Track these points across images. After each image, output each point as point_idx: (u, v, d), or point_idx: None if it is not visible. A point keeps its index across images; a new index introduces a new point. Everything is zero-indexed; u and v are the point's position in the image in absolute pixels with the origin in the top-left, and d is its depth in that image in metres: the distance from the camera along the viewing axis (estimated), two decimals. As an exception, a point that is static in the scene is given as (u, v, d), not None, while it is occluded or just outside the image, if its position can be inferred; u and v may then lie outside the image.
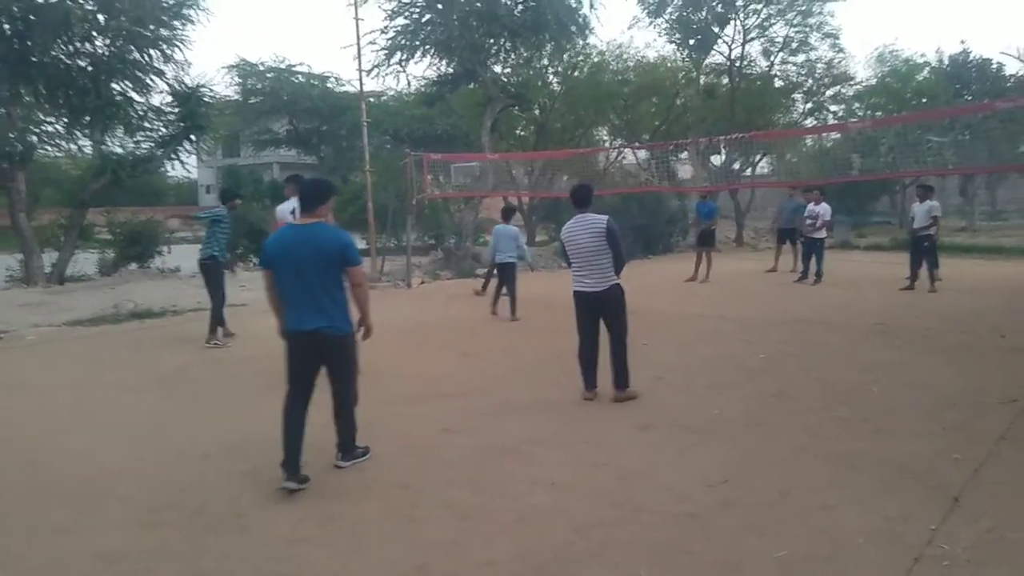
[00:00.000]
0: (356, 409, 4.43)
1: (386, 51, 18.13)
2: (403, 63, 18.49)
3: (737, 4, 22.19)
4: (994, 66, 28.04)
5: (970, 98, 26.10)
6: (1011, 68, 26.91)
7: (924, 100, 25.13)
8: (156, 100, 15.39)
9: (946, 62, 28.44)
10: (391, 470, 4.40)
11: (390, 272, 15.40)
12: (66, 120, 15.05)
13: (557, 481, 4.16)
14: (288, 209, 7.28)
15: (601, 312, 5.77)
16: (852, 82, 26.58)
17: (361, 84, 16.48)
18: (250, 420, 5.31)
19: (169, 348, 8.27)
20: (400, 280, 14.63)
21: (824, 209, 13.39)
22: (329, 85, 31.66)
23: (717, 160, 26.06)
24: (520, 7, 17.70)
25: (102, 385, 6.64)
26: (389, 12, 17.64)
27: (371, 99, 24.87)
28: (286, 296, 4.14)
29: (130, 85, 14.62)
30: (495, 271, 11.23)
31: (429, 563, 3.26)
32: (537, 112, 25.49)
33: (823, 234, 13.47)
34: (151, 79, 14.72)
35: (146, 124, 15.28)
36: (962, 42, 46.00)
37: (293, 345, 4.17)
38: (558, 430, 5.13)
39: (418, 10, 17.74)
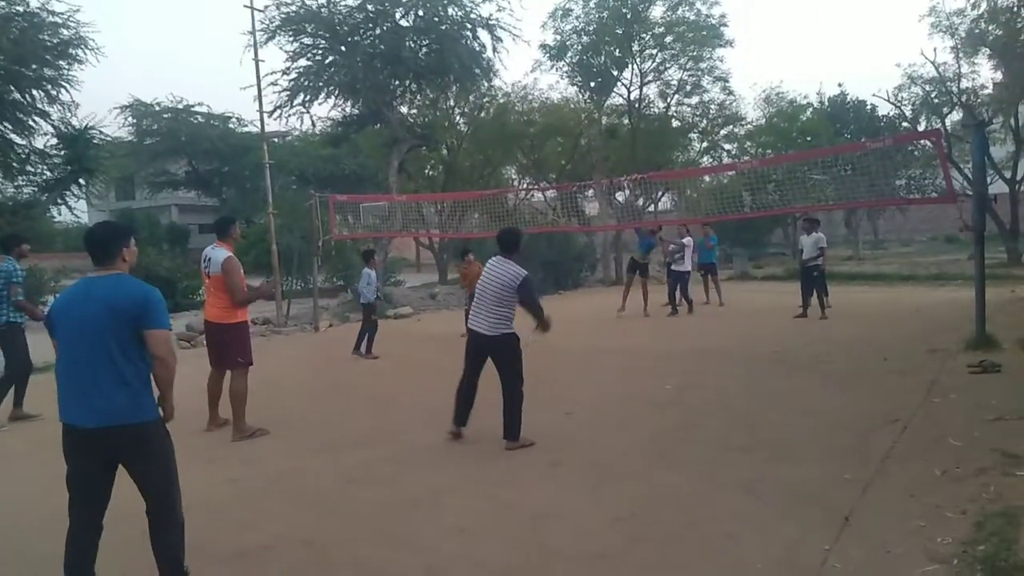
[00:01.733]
0: (183, 535, 3.28)
1: (289, 92, 17.89)
2: (307, 104, 18.29)
3: (633, 49, 23.19)
4: (869, 107, 30.44)
5: (849, 137, 28.13)
6: (883, 109, 29.25)
7: (809, 138, 26.87)
8: (40, 143, 14.60)
9: (827, 103, 30.64)
10: (295, 527, 4.20)
11: (296, 316, 15.00)
12: (-67, 163, 14.07)
13: (466, 528, 4.09)
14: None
15: (492, 359, 5.65)
16: (743, 122, 28.17)
17: (263, 125, 16.12)
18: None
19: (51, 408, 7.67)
20: (307, 324, 14.26)
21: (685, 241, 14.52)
22: (231, 125, 30.92)
23: (621, 197, 26.90)
24: (424, 50, 17.89)
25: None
26: (291, 53, 17.46)
27: (275, 140, 24.48)
28: (60, 372, 3.16)
29: (10, 127, 13.82)
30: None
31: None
32: (445, 152, 25.71)
33: (682, 267, 14.34)
34: (34, 120, 13.98)
35: (28, 168, 14.44)
36: (840, 85, 49.57)
37: (68, 444, 3.13)
38: (467, 474, 5.06)
39: (321, 52, 17.64)
